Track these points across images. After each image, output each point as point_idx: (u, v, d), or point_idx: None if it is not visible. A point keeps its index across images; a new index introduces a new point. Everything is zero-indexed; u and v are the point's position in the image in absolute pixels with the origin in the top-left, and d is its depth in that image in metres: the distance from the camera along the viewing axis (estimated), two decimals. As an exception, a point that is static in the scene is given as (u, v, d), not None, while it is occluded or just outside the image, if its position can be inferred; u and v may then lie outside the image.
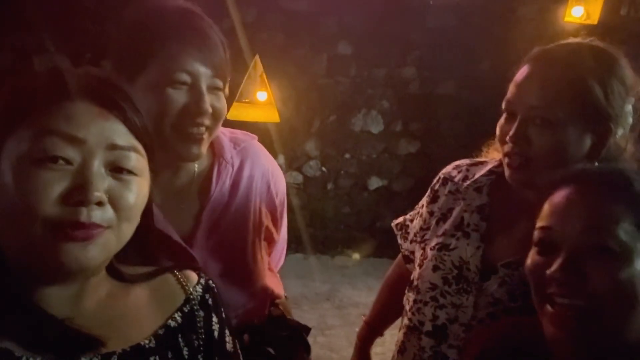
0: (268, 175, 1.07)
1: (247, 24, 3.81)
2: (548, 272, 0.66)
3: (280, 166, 4.93)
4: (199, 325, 0.68)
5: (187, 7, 0.94)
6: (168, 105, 0.87)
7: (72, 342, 0.57)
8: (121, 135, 0.59)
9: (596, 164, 0.90)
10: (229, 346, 0.71)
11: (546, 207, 0.72)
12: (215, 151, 1.01)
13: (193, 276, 0.71)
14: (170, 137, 0.89)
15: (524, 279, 0.88)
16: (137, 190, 0.60)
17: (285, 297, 1.16)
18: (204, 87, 0.89)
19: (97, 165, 0.57)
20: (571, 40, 0.95)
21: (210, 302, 0.70)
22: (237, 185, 1.01)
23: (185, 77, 0.88)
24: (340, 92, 4.21)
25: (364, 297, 3.41)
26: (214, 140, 0.99)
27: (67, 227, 0.54)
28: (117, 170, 0.59)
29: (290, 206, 4.59)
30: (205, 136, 0.92)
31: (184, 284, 0.69)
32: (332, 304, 3.48)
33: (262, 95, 2.76)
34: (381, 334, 1.29)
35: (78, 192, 0.55)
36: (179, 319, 0.67)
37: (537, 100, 0.87)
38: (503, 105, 0.94)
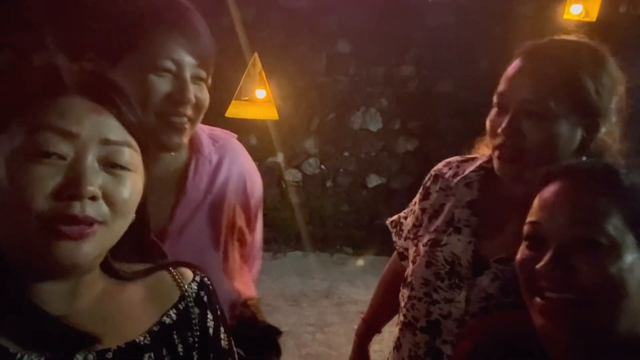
0: (245, 175, 1.06)
1: (247, 22, 3.81)
2: (537, 266, 0.67)
3: (280, 164, 4.91)
4: (194, 322, 0.68)
5: None
6: (151, 92, 0.86)
7: (67, 339, 0.58)
8: (115, 130, 0.59)
9: (584, 159, 0.90)
10: (224, 343, 0.72)
11: (536, 202, 0.72)
12: (194, 147, 1.00)
13: (188, 273, 0.71)
14: (153, 125, 0.87)
15: (516, 275, 0.89)
16: (131, 186, 0.60)
17: (258, 298, 1.15)
18: (187, 76, 0.88)
19: (91, 160, 0.57)
20: (562, 36, 0.95)
21: (205, 299, 0.70)
22: (213, 183, 1.00)
23: (170, 65, 0.87)
24: (339, 90, 4.21)
25: (362, 295, 3.42)
26: (193, 135, 0.97)
27: (61, 222, 0.54)
28: (110, 165, 0.58)
29: (289, 204, 4.58)
30: (187, 126, 0.91)
31: (179, 281, 0.70)
32: (331, 302, 3.49)
33: (261, 93, 2.77)
34: (379, 331, 1.30)
35: (71, 187, 0.55)
36: (174, 316, 0.67)
37: (530, 94, 0.88)
38: (494, 99, 0.94)
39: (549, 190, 0.71)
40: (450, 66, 3.94)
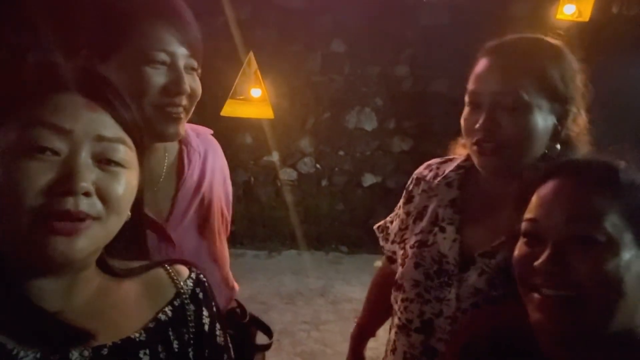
0: (225, 169, 1.13)
1: (242, 21, 3.81)
2: (535, 264, 0.66)
3: (275, 163, 4.90)
4: (189, 319, 0.68)
5: None
6: (147, 85, 0.88)
7: (63, 335, 0.58)
8: (109, 127, 0.59)
9: (558, 146, 0.94)
10: (219, 339, 0.72)
11: (534, 199, 0.72)
12: (182, 139, 1.04)
13: (184, 270, 0.72)
14: (150, 116, 0.89)
15: (502, 267, 0.91)
16: (125, 183, 0.60)
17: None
18: (181, 67, 0.90)
19: (84, 156, 0.57)
20: (518, 34, 0.99)
21: (200, 296, 0.71)
22: (203, 172, 1.05)
23: (164, 57, 0.88)
24: (334, 89, 4.22)
25: (357, 293, 3.44)
26: None
27: (54, 218, 0.54)
28: (104, 162, 0.59)
29: (284, 203, 4.58)
30: (182, 115, 0.93)
31: (175, 278, 0.70)
32: (326, 300, 3.50)
33: (256, 92, 2.76)
34: (373, 335, 1.32)
35: (64, 182, 0.55)
36: (169, 312, 0.67)
37: (501, 87, 0.91)
38: (466, 98, 0.97)
39: (547, 187, 0.71)
40: (444, 66, 3.95)
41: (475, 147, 0.95)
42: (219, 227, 1.08)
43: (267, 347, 1.16)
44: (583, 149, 0.96)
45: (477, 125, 0.92)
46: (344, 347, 1.35)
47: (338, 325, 3.10)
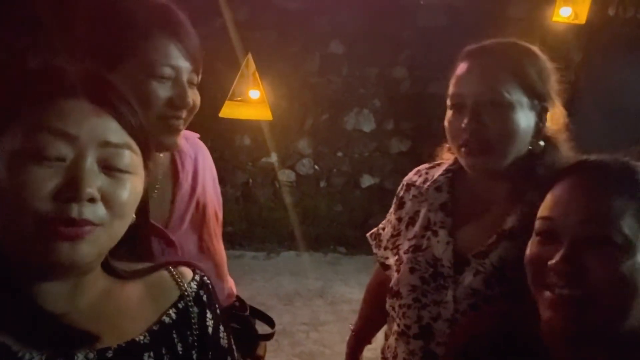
0: (213, 171, 1.15)
1: (240, 23, 3.81)
2: (550, 263, 0.66)
3: (273, 164, 4.89)
4: (193, 321, 0.68)
5: (165, 1, 0.96)
6: (152, 97, 0.90)
7: (67, 338, 0.58)
8: (115, 132, 0.59)
9: (541, 143, 0.97)
10: (223, 342, 0.72)
11: (548, 198, 0.71)
12: None
13: (188, 273, 0.72)
14: (152, 128, 0.91)
15: (496, 266, 0.92)
16: (130, 188, 0.60)
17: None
18: (185, 82, 0.93)
19: (90, 162, 0.57)
20: (495, 39, 1.02)
21: (204, 298, 0.71)
22: (196, 176, 1.08)
23: (170, 71, 0.91)
24: (332, 91, 4.22)
25: (356, 294, 3.44)
26: None
27: (58, 224, 0.54)
28: (110, 167, 0.58)
29: (283, 204, 4.57)
30: (181, 127, 0.97)
31: (179, 280, 0.70)
32: (324, 301, 3.50)
33: (254, 94, 2.77)
34: (369, 342, 1.32)
35: (69, 189, 0.55)
36: (173, 315, 0.67)
37: (483, 86, 0.94)
38: (448, 102, 1.00)
39: (563, 186, 0.70)
40: (442, 67, 3.94)
41: (462, 149, 0.96)
42: (214, 228, 1.10)
43: (269, 336, 1.18)
44: (563, 145, 0.99)
45: (463, 126, 0.94)
46: (343, 347, 1.35)
47: (337, 326, 3.11)
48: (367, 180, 4.39)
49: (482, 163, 0.96)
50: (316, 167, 4.36)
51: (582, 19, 3.01)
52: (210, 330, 0.70)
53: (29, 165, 0.55)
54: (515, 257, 0.90)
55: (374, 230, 1.24)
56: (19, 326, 0.57)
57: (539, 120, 0.96)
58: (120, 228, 0.60)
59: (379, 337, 1.32)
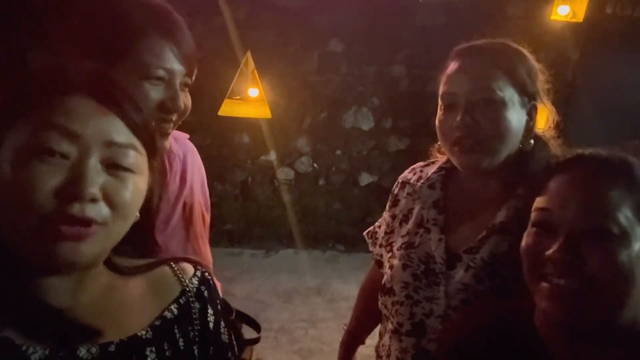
0: (202, 172, 1.15)
1: (239, 21, 3.81)
2: (547, 253, 0.67)
3: (272, 162, 4.88)
4: (194, 317, 0.69)
5: (161, 2, 0.95)
6: (146, 99, 0.88)
7: (70, 332, 0.59)
8: (119, 132, 0.59)
9: (532, 141, 0.98)
10: (224, 337, 0.73)
11: (546, 190, 0.73)
12: None
13: (189, 268, 0.73)
14: None
15: (487, 261, 0.93)
16: (134, 188, 0.60)
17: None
18: (178, 85, 0.92)
19: (93, 161, 0.57)
20: (484, 40, 1.04)
21: (206, 294, 0.71)
22: (184, 177, 1.07)
23: (163, 74, 0.89)
24: (331, 89, 4.23)
25: (354, 291, 3.41)
26: None
27: (61, 222, 0.54)
28: (114, 167, 0.58)
29: (281, 202, 4.56)
30: (170, 130, 0.96)
31: (180, 276, 0.71)
32: (323, 298, 3.51)
33: (253, 92, 2.77)
34: (363, 342, 1.32)
35: (72, 187, 0.55)
36: (175, 310, 0.68)
37: (474, 84, 0.95)
38: (439, 101, 1.00)
39: (561, 179, 0.71)
40: (441, 66, 3.96)
41: (455, 148, 0.97)
42: (200, 230, 1.09)
43: (255, 341, 1.18)
44: (553, 143, 1.00)
45: (455, 124, 0.95)
46: (342, 344, 1.36)
47: (335, 323, 3.12)
48: (365, 179, 4.40)
49: (474, 161, 0.96)
50: (315, 165, 4.36)
51: (580, 17, 3.02)
52: (211, 325, 0.71)
53: (32, 161, 0.55)
54: (506, 251, 0.91)
55: (371, 228, 1.25)
56: (23, 320, 0.58)
57: (529, 118, 0.97)
58: (123, 227, 0.61)
59: (375, 332, 1.34)
